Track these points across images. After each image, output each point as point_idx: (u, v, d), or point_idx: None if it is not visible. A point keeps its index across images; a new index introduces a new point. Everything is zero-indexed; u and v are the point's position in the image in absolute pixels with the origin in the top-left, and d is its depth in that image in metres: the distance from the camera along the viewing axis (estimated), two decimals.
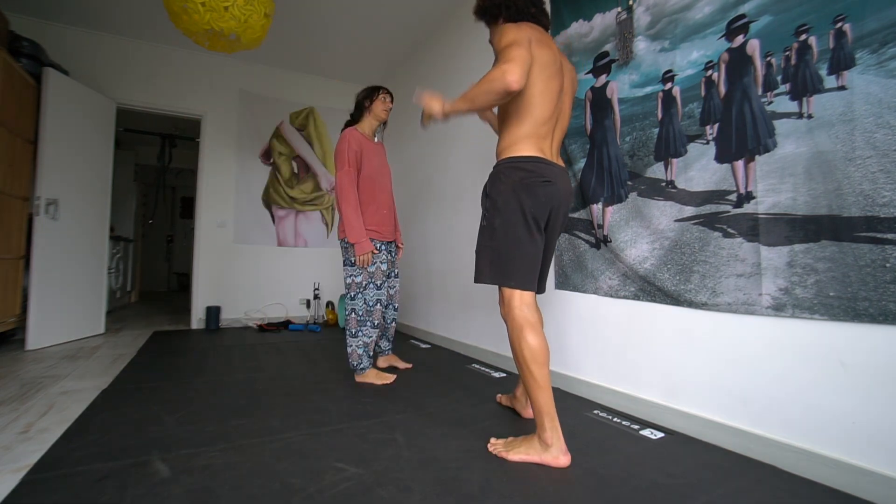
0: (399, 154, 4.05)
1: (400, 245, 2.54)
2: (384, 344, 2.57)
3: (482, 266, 1.49)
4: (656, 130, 1.79)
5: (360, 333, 2.22)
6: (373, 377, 2.22)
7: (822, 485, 1.25)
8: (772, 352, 1.40)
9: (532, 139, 1.45)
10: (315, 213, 4.51)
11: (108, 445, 1.42)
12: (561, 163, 1.55)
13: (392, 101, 2.44)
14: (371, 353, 2.29)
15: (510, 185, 1.43)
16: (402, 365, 2.54)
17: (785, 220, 1.37)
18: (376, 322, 2.24)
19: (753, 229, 1.45)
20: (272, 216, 4.31)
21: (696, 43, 1.65)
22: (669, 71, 1.74)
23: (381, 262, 2.28)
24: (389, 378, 2.24)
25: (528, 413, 1.75)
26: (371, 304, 2.22)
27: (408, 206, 3.79)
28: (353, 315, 2.22)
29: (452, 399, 1.99)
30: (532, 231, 1.43)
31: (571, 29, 2.19)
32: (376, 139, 2.49)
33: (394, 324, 2.55)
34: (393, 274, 2.44)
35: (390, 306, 2.47)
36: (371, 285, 2.22)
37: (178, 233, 8.71)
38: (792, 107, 1.37)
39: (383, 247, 2.33)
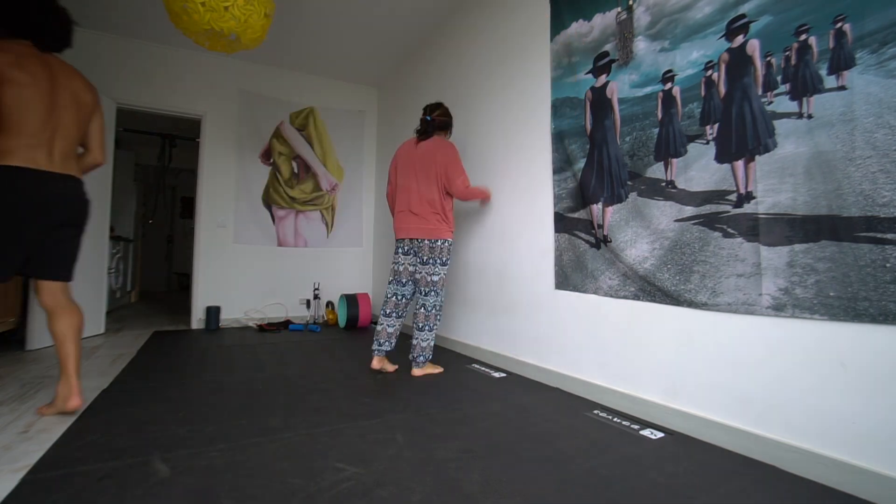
0: None
1: None
2: (389, 345, 2.54)
3: None
4: (656, 130, 1.79)
5: (435, 327, 2.43)
6: (430, 368, 2.45)
7: (823, 485, 1.25)
8: (772, 352, 1.40)
9: (16, 150, 1.62)
10: (315, 213, 4.51)
11: (108, 445, 1.42)
12: (66, 169, 1.74)
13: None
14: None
15: None
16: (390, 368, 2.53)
17: (785, 220, 1.37)
18: None
19: (753, 229, 1.45)
20: (272, 216, 4.31)
21: (696, 43, 1.65)
22: (669, 71, 1.74)
23: None
24: (439, 368, 2.49)
25: None
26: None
27: None
28: (434, 311, 2.41)
29: (452, 399, 1.99)
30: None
31: (571, 29, 2.19)
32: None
33: None
34: None
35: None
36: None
37: (178, 233, 8.71)
38: (792, 107, 1.37)
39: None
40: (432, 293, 2.40)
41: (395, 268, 2.48)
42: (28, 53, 1.70)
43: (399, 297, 2.46)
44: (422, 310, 2.41)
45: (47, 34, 1.78)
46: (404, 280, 2.46)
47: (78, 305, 1.81)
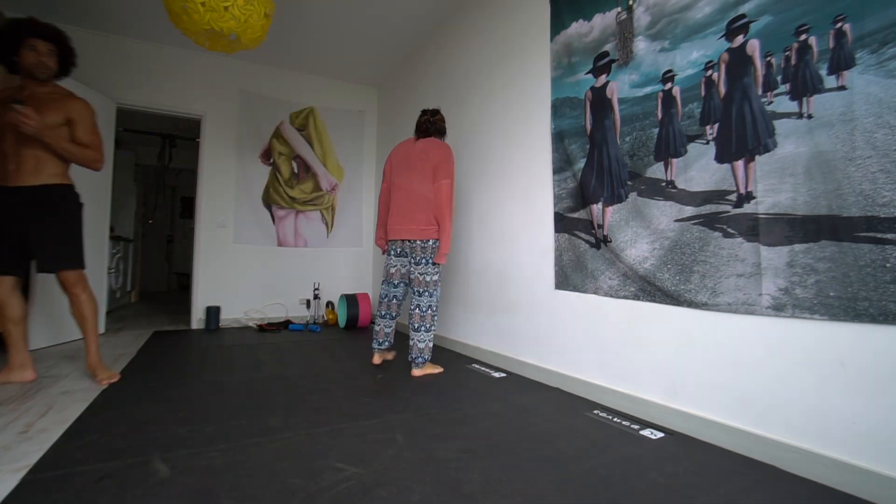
0: None
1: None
2: (387, 343, 2.59)
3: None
4: (656, 130, 1.79)
5: (432, 328, 2.41)
6: (430, 368, 2.44)
7: (823, 485, 1.25)
8: (772, 352, 1.40)
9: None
10: (315, 213, 4.51)
11: (108, 445, 1.42)
12: None
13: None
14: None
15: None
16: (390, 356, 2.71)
17: (785, 220, 1.37)
18: None
19: (753, 229, 1.45)
20: (272, 216, 4.31)
21: (696, 43, 1.65)
22: (669, 71, 1.74)
23: None
24: (439, 368, 2.51)
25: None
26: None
27: None
28: (429, 312, 2.39)
29: (452, 399, 1.99)
30: None
31: (571, 29, 2.19)
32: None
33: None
34: None
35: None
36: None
37: (178, 233, 8.71)
38: (792, 107, 1.37)
39: None
40: (426, 294, 2.39)
41: (388, 269, 2.50)
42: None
43: (391, 298, 2.49)
44: (416, 311, 2.41)
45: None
46: (396, 281, 2.48)
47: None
